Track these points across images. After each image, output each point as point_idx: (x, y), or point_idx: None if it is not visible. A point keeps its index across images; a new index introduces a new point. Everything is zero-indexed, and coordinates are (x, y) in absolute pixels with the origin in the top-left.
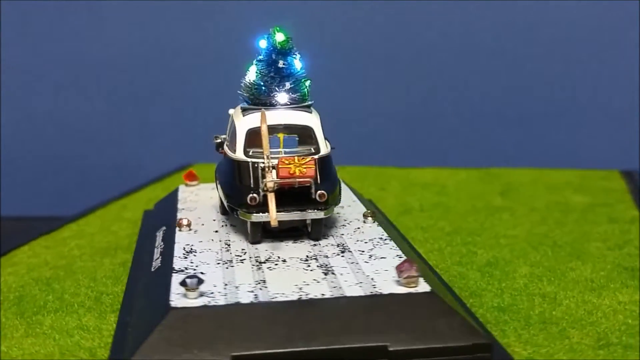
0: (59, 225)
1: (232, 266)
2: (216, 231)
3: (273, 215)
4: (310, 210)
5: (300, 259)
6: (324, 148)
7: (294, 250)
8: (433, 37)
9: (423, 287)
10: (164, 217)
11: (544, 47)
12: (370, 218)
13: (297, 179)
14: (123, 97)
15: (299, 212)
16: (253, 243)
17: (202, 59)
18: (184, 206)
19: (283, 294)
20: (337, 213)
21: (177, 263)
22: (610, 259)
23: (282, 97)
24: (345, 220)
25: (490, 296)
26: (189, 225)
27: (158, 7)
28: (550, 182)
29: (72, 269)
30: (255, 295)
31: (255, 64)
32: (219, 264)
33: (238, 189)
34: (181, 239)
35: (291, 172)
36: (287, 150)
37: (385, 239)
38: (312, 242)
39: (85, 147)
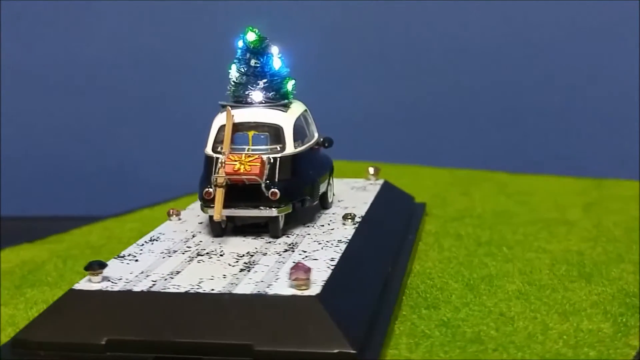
0: None
1: (170, 256)
2: (201, 223)
3: (217, 210)
4: (262, 208)
5: (238, 255)
6: (290, 147)
7: (243, 245)
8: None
9: (312, 291)
10: None
11: None
12: (349, 220)
13: (242, 176)
14: (123, 97)
15: (251, 209)
16: (215, 237)
17: (203, 58)
18: None
19: (180, 286)
20: (333, 213)
21: (128, 249)
22: (616, 286)
23: (256, 95)
24: (330, 220)
25: (446, 310)
26: (177, 215)
27: (158, 7)
28: None
29: None
30: (153, 285)
31: (234, 63)
32: (162, 253)
33: (202, 183)
34: (162, 227)
35: (235, 168)
36: (254, 147)
37: (340, 243)
38: (269, 239)
39: (85, 147)
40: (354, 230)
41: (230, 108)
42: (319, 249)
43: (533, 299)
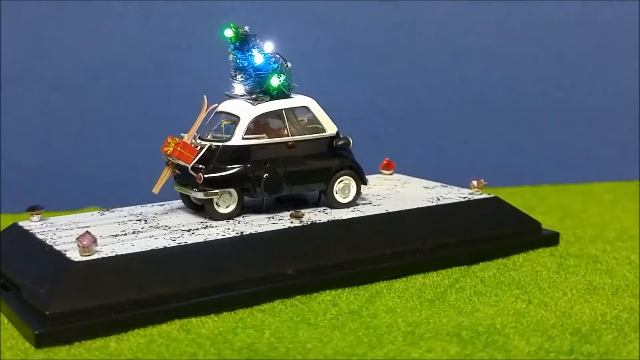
0: None
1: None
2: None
3: (157, 184)
4: (192, 189)
5: (165, 226)
6: (237, 139)
7: (181, 219)
8: None
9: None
10: None
11: None
12: (297, 219)
13: (172, 158)
14: (123, 97)
15: (189, 189)
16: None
17: (205, 58)
18: None
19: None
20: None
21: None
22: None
23: (238, 88)
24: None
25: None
26: None
27: (159, 7)
28: None
29: None
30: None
31: None
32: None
33: None
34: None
35: (165, 149)
36: (218, 135)
37: (255, 234)
38: (209, 221)
39: (84, 147)
40: (291, 228)
41: (205, 98)
42: (225, 236)
43: None
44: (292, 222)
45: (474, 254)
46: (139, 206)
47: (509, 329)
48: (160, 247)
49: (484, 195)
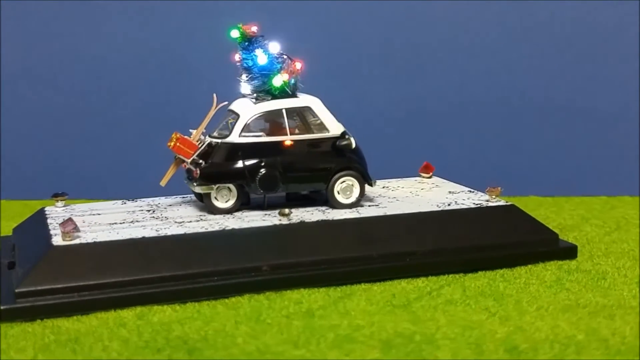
0: None
1: (133, 213)
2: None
3: (164, 177)
4: (193, 184)
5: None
6: (234, 136)
7: (182, 212)
8: None
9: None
10: None
11: None
12: (284, 217)
13: (174, 152)
14: (123, 97)
15: (191, 183)
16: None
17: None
18: None
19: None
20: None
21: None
22: None
23: (244, 87)
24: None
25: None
26: None
27: (160, 7)
28: None
29: None
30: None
31: None
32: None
33: None
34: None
35: (168, 144)
36: (223, 132)
37: (237, 229)
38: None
39: (84, 146)
40: (276, 225)
41: (215, 96)
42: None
43: None
44: (280, 220)
45: (474, 262)
46: (162, 198)
47: (446, 339)
48: (139, 236)
49: (501, 203)
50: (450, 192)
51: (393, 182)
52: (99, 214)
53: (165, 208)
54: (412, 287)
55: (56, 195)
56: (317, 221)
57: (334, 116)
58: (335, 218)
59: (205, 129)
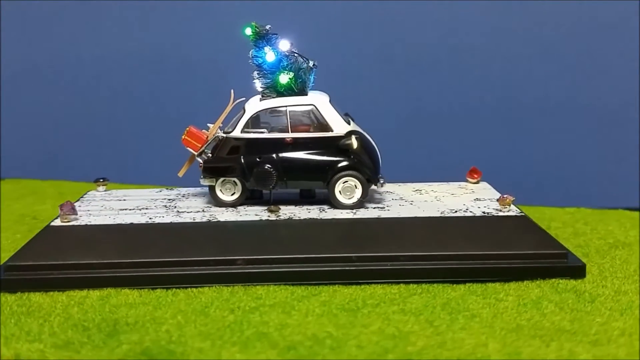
0: None
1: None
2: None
3: (182, 169)
4: (200, 176)
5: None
6: (237, 131)
7: (201, 204)
8: None
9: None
10: None
11: None
12: (272, 213)
13: (185, 146)
14: (125, 96)
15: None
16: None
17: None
18: None
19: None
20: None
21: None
22: None
23: (257, 84)
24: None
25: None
26: None
27: (160, 6)
28: None
29: None
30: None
31: None
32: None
33: None
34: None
35: (182, 138)
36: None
37: (223, 222)
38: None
39: (84, 146)
40: (266, 220)
41: (232, 91)
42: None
43: None
44: (269, 216)
45: (461, 272)
46: (190, 188)
47: (353, 347)
48: (128, 222)
49: (510, 213)
50: (476, 199)
51: (434, 186)
52: (125, 200)
53: (187, 198)
54: (380, 293)
55: (98, 180)
56: (304, 219)
57: (351, 116)
58: (326, 217)
59: (222, 123)
